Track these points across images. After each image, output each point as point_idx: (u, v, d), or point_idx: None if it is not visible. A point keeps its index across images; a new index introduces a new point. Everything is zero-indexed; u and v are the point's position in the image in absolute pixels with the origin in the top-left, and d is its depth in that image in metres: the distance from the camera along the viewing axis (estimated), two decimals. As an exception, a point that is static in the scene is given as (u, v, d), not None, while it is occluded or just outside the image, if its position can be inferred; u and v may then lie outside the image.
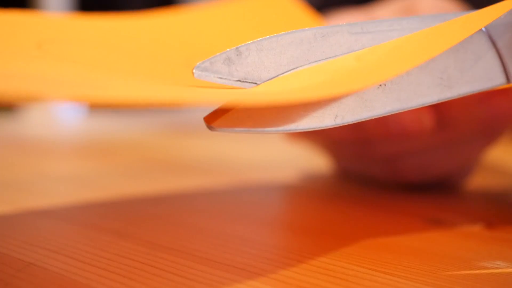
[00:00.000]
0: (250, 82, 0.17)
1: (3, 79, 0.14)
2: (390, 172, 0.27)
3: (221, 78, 0.17)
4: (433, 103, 0.18)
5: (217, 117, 0.16)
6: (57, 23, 0.25)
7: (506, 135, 0.28)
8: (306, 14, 0.27)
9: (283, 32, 0.17)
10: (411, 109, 0.17)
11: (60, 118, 0.76)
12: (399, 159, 0.27)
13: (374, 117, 0.17)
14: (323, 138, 0.29)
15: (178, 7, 0.28)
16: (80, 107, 0.83)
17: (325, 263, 0.17)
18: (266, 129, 0.16)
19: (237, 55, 0.17)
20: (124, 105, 0.13)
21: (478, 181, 0.30)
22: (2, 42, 0.20)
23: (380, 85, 0.17)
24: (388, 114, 0.17)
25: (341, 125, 0.17)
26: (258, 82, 0.17)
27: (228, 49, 0.17)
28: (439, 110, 0.25)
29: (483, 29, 0.18)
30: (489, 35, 0.18)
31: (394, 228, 0.22)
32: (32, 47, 0.20)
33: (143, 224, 0.22)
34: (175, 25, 0.26)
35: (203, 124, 0.16)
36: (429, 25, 0.18)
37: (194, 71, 0.17)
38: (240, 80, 0.17)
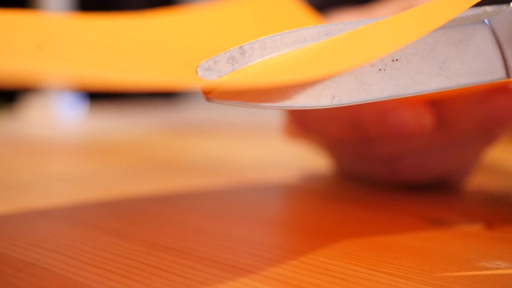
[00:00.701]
0: None
1: (3, 61, 0.14)
2: (390, 172, 0.27)
3: None
4: (431, 92, 0.18)
5: (215, 88, 0.16)
6: (57, 23, 0.25)
7: (506, 135, 0.28)
8: (306, 14, 0.27)
9: (286, 31, 0.17)
10: (408, 96, 0.17)
11: (60, 118, 0.76)
12: (399, 159, 0.27)
13: (371, 101, 0.17)
14: (322, 137, 0.29)
15: (179, 7, 0.28)
16: (80, 106, 0.83)
17: (325, 263, 0.17)
18: (262, 104, 0.16)
19: (241, 53, 0.17)
20: (123, 86, 0.13)
21: (478, 181, 0.30)
22: (2, 42, 0.20)
23: (380, 69, 0.17)
24: (385, 99, 0.17)
25: (337, 106, 0.17)
26: None
27: (231, 48, 0.17)
28: (439, 110, 0.25)
29: (486, 22, 0.18)
30: (492, 29, 0.18)
31: (394, 228, 0.22)
32: (32, 47, 0.20)
33: (143, 224, 0.22)
34: (176, 25, 0.26)
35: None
36: None
37: (197, 70, 0.17)
38: None
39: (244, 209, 0.25)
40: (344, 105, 0.17)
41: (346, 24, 0.18)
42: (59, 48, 0.21)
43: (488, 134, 0.26)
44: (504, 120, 0.25)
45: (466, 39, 0.18)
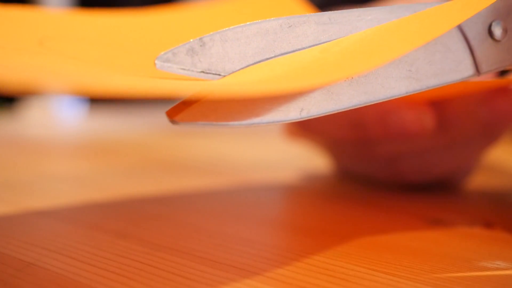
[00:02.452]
0: (213, 74, 0.16)
1: (3, 70, 0.14)
2: (390, 172, 0.27)
3: (184, 69, 0.16)
4: (401, 96, 0.17)
5: (180, 111, 0.15)
6: (58, 19, 0.25)
7: (506, 136, 0.28)
8: (307, 13, 0.27)
9: (248, 23, 0.17)
10: (378, 102, 0.17)
11: (60, 118, 0.76)
12: (400, 160, 0.27)
13: (340, 111, 0.17)
14: (323, 137, 0.29)
15: (178, 5, 0.28)
16: (80, 106, 0.83)
17: (325, 263, 0.17)
18: (229, 123, 0.15)
19: (201, 45, 0.16)
20: (122, 93, 0.13)
21: (478, 181, 0.30)
22: (4, 38, 0.20)
23: (347, 77, 0.17)
24: (355, 107, 0.17)
25: (306, 118, 0.16)
26: (222, 74, 0.16)
27: (191, 40, 0.16)
28: (440, 111, 0.25)
29: None
30: (460, 26, 0.18)
31: (394, 228, 0.22)
32: (34, 44, 0.20)
33: (143, 224, 0.22)
34: (177, 22, 0.26)
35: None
36: (398, 15, 0.18)
37: (156, 61, 0.16)
38: (203, 72, 0.16)
39: (244, 209, 0.25)
40: (313, 117, 0.16)
41: (309, 16, 0.17)
42: (60, 44, 0.21)
43: (489, 135, 0.26)
44: (505, 121, 0.25)
45: (433, 38, 0.18)
